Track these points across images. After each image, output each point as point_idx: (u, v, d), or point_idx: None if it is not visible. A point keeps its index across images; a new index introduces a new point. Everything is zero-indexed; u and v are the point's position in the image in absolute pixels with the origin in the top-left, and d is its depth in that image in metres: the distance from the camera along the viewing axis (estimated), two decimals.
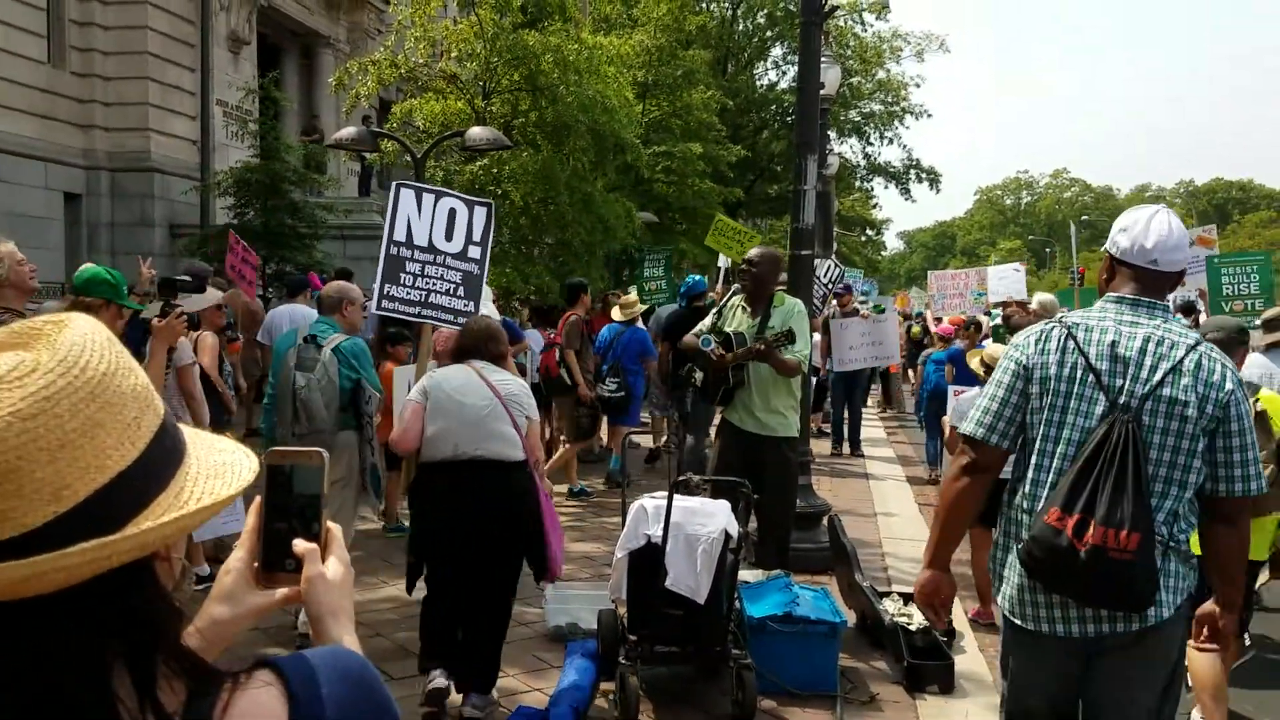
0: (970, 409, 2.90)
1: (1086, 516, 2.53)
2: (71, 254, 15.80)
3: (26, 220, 14.95)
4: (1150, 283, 2.75)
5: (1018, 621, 2.77)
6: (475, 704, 4.42)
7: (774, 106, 29.90)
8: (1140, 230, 2.75)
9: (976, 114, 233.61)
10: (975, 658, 5.57)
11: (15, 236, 5.61)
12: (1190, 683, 4.24)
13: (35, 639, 0.82)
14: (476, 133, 9.92)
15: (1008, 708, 2.93)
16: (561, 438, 10.35)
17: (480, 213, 6.19)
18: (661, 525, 4.56)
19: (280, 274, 14.35)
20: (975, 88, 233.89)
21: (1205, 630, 2.80)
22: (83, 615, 0.83)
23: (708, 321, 6.26)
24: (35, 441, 0.80)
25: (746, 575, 5.34)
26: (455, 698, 4.53)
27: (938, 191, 36.70)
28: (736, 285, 6.28)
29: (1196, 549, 2.77)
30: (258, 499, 1.15)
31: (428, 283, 6.15)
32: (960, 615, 6.16)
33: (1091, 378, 2.66)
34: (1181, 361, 2.63)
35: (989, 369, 6.53)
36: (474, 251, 6.27)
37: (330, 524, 1.18)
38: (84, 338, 0.87)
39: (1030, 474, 2.74)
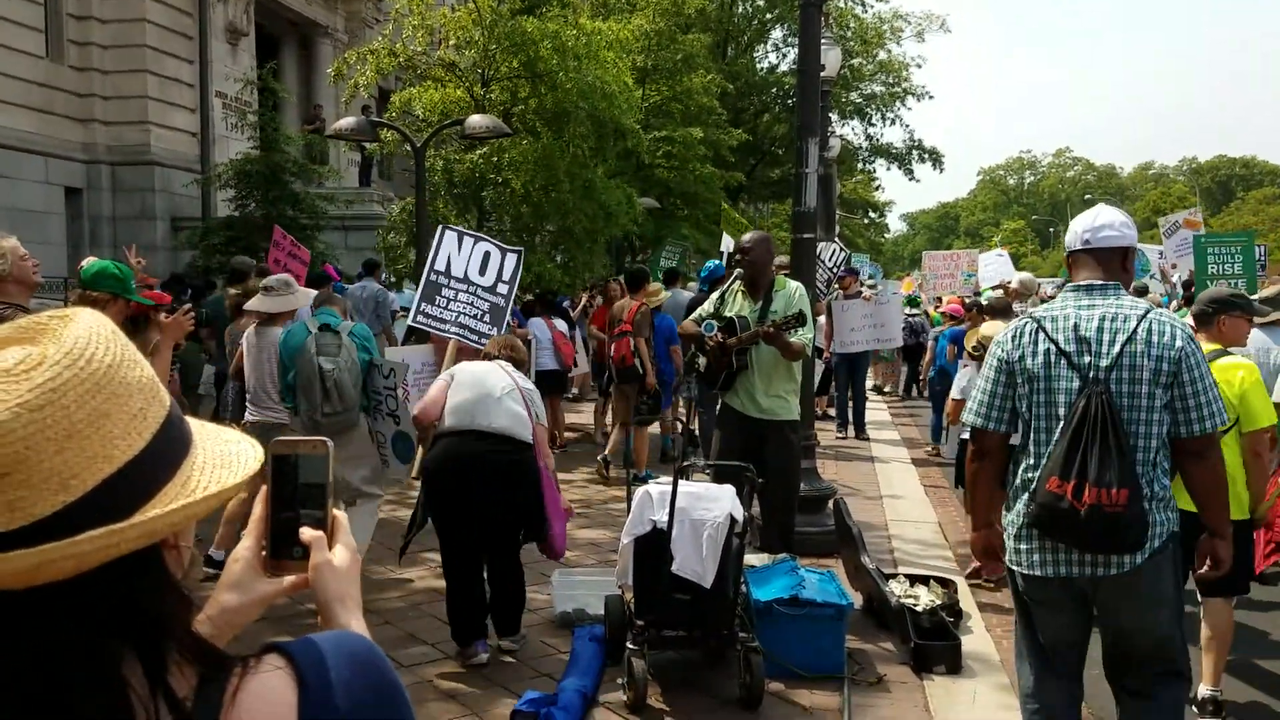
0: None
1: (1081, 481, 2.98)
2: (73, 248, 15.83)
3: (28, 215, 14.97)
4: (1094, 263, 3.20)
5: (1028, 571, 3.24)
6: (509, 642, 5.13)
7: (775, 89, 29.79)
8: (1074, 224, 3.33)
9: (978, 94, 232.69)
10: (982, 638, 5.58)
11: (16, 231, 5.61)
12: (1203, 633, 4.54)
13: (46, 627, 0.83)
14: (476, 120, 9.89)
15: (1022, 647, 3.45)
16: (607, 421, 10.74)
17: (511, 258, 7.08)
18: (667, 511, 4.57)
19: (264, 266, 14.34)
20: (976, 68, 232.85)
21: (1208, 560, 3.26)
22: (93, 603, 0.85)
23: (709, 306, 6.26)
24: (43, 432, 0.82)
25: (752, 559, 5.35)
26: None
27: (941, 171, 36.70)
28: (738, 271, 6.28)
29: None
30: (264, 488, 1.15)
31: (460, 307, 7.21)
32: (967, 596, 6.17)
33: (1063, 360, 3.11)
34: (1135, 331, 3.06)
35: (982, 348, 6.69)
36: (502, 288, 7.37)
37: (337, 512, 1.19)
38: (89, 331, 0.89)
39: (1029, 448, 3.21)
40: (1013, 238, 78.94)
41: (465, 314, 7.17)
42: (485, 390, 5.00)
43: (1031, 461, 3.18)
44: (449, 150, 12.41)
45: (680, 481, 4.65)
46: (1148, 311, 3.09)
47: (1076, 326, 3.11)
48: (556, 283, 12.18)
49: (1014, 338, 3.24)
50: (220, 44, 19.00)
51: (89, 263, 5.14)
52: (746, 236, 6.41)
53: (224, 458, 0.97)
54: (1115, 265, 3.21)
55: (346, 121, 10.43)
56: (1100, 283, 3.16)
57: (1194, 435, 3.06)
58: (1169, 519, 3.12)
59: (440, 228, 7.19)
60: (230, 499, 0.95)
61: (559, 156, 11.76)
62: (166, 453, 0.91)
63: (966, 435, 7.14)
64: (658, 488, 4.76)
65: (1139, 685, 3.24)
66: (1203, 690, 4.50)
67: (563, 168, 11.79)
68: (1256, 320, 5.77)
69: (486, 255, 7.05)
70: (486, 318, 7.17)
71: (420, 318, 6.98)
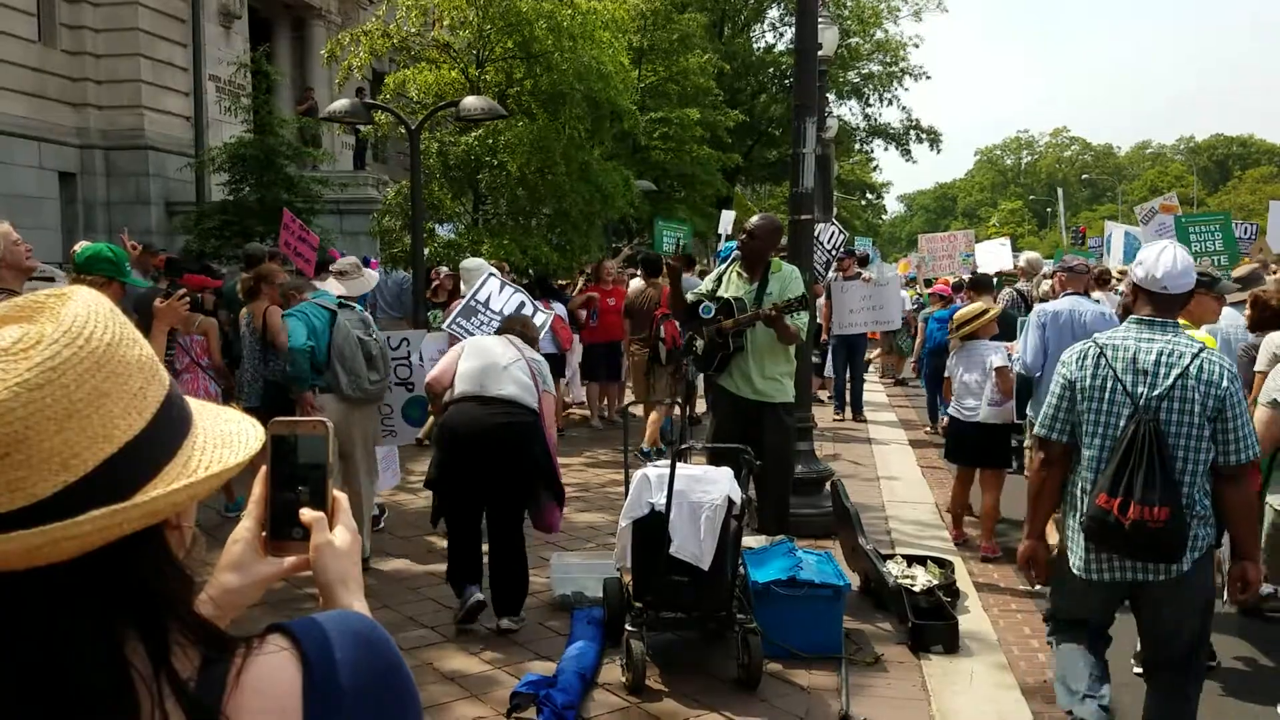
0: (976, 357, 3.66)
1: (1127, 499, 3.34)
2: (67, 233, 15.76)
3: (21, 200, 14.89)
4: (1161, 304, 3.53)
5: (1083, 576, 3.59)
6: (509, 622, 5.20)
7: (771, 69, 29.68)
8: (1152, 263, 3.54)
9: (976, 74, 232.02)
10: (979, 618, 5.60)
11: (10, 216, 5.60)
12: None
13: (49, 608, 0.83)
14: (471, 102, 9.84)
15: (1058, 617, 3.87)
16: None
17: (540, 316, 7.82)
18: (665, 493, 4.57)
19: (277, 251, 14.29)
20: (974, 47, 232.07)
21: (1239, 583, 3.52)
22: (95, 584, 0.84)
23: (707, 286, 6.25)
24: (43, 411, 0.81)
25: (750, 541, 5.36)
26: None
27: (939, 151, 36.57)
28: (736, 252, 6.27)
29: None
30: (263, 469, 1.14)
31: (488, 330, 8.00)
32: (965, 576, 6.19)
33: (1120, 386, 3.46)
34: (1188, 368, 3.39)
35: (958, 326, 7.10)
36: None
37: (337, 493, 1.18)
38: (87, 309, 0.88)
39: (1082, 464, 3.57)
40: (1010, 218, 78.88)
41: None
42: (492, 360, 5.33)
43: (1087, 475, 3.53)
44: (444, 133, 12.37)
45: (678, 464, 4.65)
46: (1200, 350, 3.44)
47: (1135, 358, 3.46)
48: (553, 266, 12.15)
49: (1079, 360, 3.58)
50: (213, 27, 18.86)
51: (82, 247, 5.12)
52: (755, 219, 6.39)
53: (224, 437, 0.96)
54: (1177, 306, 3.59)
55: (340, 104, 10.36)
56: (1162, 320, 3.52)
57: (1230, 464, 3.40)
58: (1209, 534, 3.48)
59: (486, 274, 8.15)
60: (231, 478, 0.95)
61: (555, 138, 11.72)
62: (167, 432, 0.90)
63: (953, 413, 7.21)
64: (656, 470, 4.77)
65: (1170, 680, 3.66)
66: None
67: (558, 150, 11.75)
68: (1229, 299, 5.82)
69: (521, 304, 7.81)
70: None
71: (454, 326, 7.73)
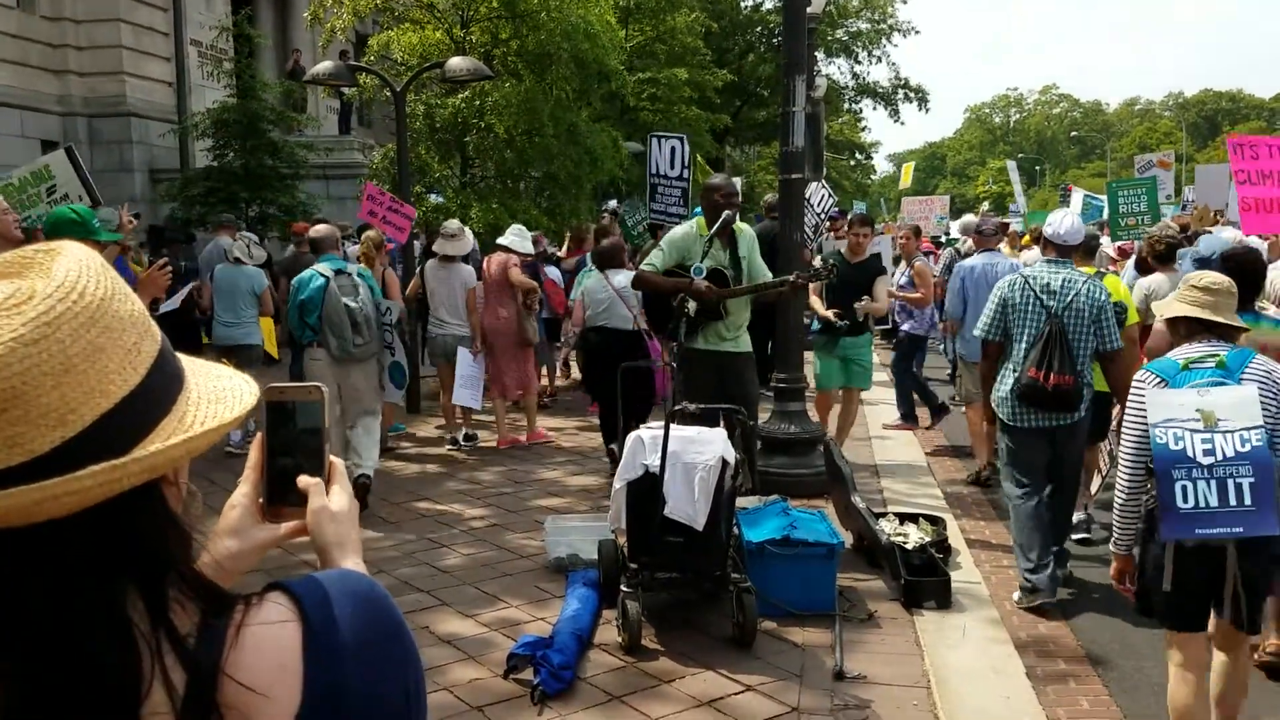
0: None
1: (1048, 372, 5.10)
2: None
3: (4, 170, 14.71)
4: (1061, 250, 5.46)
5: (1015, 424, 5.29)
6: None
7: (759, 28, 29.43)
8: (1056, 225, 5.53)
9: (965, 31, 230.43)
10: (971, 573, 5.64)
11: None
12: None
13: (49, 563, 0.82)
14: (456, 63, 9.74)
15: (1010, 469, 5.41)
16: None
17: (683, 147, 9.32)
18: (659, 455, 4.58)
19: (264, 217, 14.19)
20: (963, 3, 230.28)
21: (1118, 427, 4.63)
22: (94, 539, 0.84)
23: (669, 254, 6.08)
24: (39, 366, 0.80)
25: (744, 501, 5.38)
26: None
27: (926, 111, 36.47)
28: (700, 219, 6.23)
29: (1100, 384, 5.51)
30: (259, 435, 1.14)
31: (666, 201, 10.23)
32: (956, 533, 6.23)
33: (1039, 302, 5.22)
34: (1080, 290, 5.21)
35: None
36: (686, 174, 10.09)
37: (333, 458, 1.18)
38: (79, 264, 0.87)
39: (1014, 353, 5.29)
40: (999, 176, 78.59)
41: (670, 205, 9.99)
42: (597, 302, 7.74)
43: (1018, 359, 5.24)
44: (430, 95, 12.23)
45: (672, 425, 4.66)
46: (1088, 279, 5.31)
47: (1048, 284, 5.24)
48: (543, 229, 12.08)
49: (1010, 286, 5.36)
50: None
51: (47, 213, 5.09)
52: (731, 180, 6.39)
53: (218, 393, 0.96)
54: (1070, 252, 5.53)
55: (324, 66, 10.25)
56: (1061, 260, 5.41)
57: (1105, 350, 5.24)
58: (1091, 394, 5.31)
59: (649, 137, 9.65)
60: (225, 434, 0.94)
61: (542, 99, 11.61)
62: (161, 388, 0.90)
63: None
64: (649, 432, 4.77)
65: (1062, 482, 5.43)
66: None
67: (546, 111, 11.64)
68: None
69: (672, 149, 9.17)
70: (678, 203, 9.55)
71: (653, 215, 9.76)
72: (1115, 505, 3.64)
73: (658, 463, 4.58)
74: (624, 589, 4.64)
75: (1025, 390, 5.11)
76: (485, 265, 9.00)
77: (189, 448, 0.89)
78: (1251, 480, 3.27)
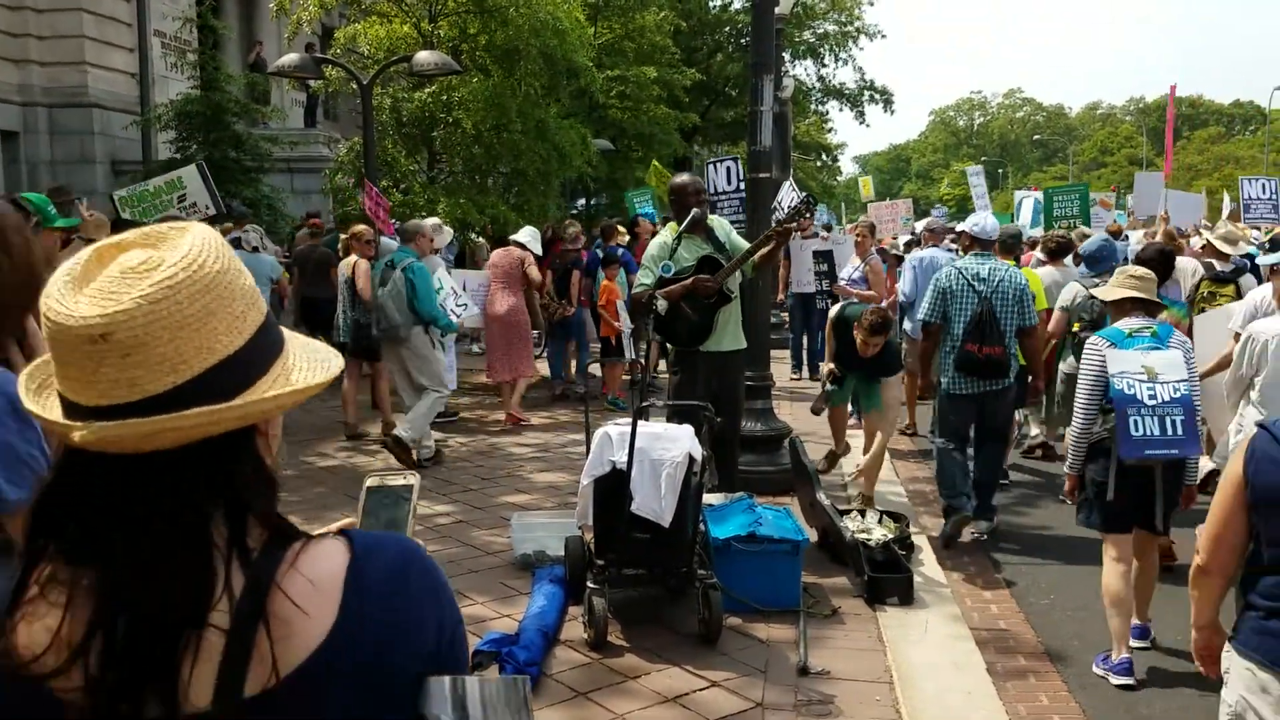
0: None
1: (981, 345, 6.15)
2: (11, 193, 15.31)
3: None
4: (983, 245, 6.61)
5: (952, 390, 6.36)
6: None
7: (728, 28, 29.45)
8: (979, 224, 6.81)
9: (931, 34, 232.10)
10: (933, 570, 5.71)
11: None
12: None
13: (155, 485, 1.00)
14: (424, 57, 9.69)
15: (940, 430, 6.52)
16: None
17: (735, 165, 9.38)
18: (626, 451, 4.59)
19: (229, 209, 14.03)
20: (929, 6, 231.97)
21: (1037, 385, 6.88)
22: (194, 471, 1.01)
23: (661, 261, 6.06)
24: (159, 321, 0.97)
25: (711, 498, 5.41)
26: None
27: (891, 112, 36.63)
28: (671, 223, 6.26)
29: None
30: (351, 520, 1.25)
31: (729, 214, 9.80)
32: (919, 528, 6.29)
33: (971, 288, 6.27)
34: (1004, 277, 6.31)
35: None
36: (741, 188, 9.60)
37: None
38: (202, 241, 1.04)
39: (954, 331, 6.29)
40: (962, 179, 79.29)
41: (732, 215, 9.83)
42: None
43: (957, 335, 6.25)
44: (396, 88, 12.15)
45: (639, 422, 4.67)
46: (1008, 269, 6.50)
47: (977, 273, 6.32)
48: (511, 226, 12.03)
49: (947, 276, 6.41)
50: None
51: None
52: (696, 178, 6.47)
53: (311, 362, 1.12)
54: (991, 246, 6.71)
55: (289, 58, 10.15)
56: (985, 253, 6.55)
57: (1023, 326, 6.32)
58: (1017, 366, 6.39)
59: (706, 164, 9.79)
60: (313, 395, 1.10)
61: (510, 95, 11.57)
62: (262, 351, 1.06)
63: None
64: (617, 429, 4.78)
65: (990, 437, 6.54)
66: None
67: (514, 107, 11.60)
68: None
69: (728, 169, 9.46)
70: (738, 211, 9.52)
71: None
72: (1070, 437, 4.83)
73: (625, 459, 4.59)
74: (590, 585, 4.64)
75: (962, 361, 6.19)
76: (490, 257, 9.97)
77: (279, 402, 1.05)
78: (1182, 418, 4.43)
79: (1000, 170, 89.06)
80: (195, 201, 9.57)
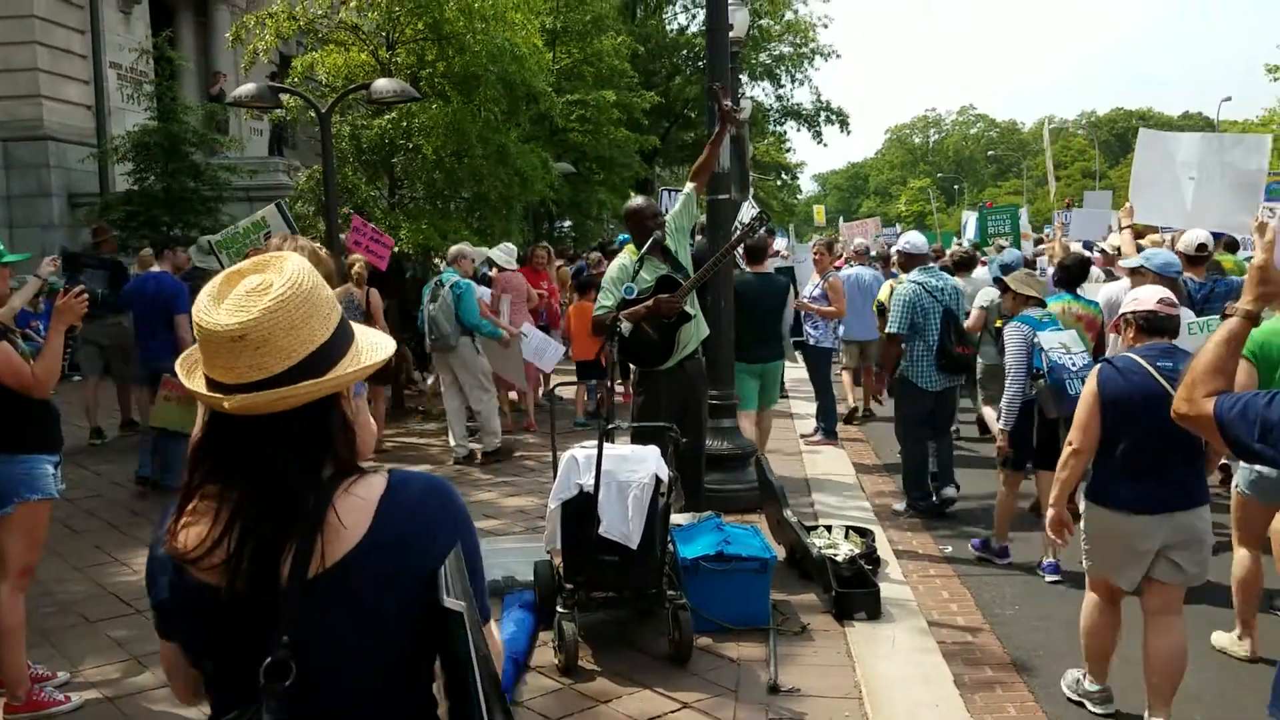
0: None
1: (955, 344, 7.21)
2: None
3: None
4: (919, 260, 7.69)
5: (929, 388, 7.29)
6: None
7: (685, 51, 29.69)
8: (909, 241, 8.16)
9: (885, 53, 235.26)
10: (900, 585, 5.76)
11: None
12: None
13: (278, 433, 1.47)
14: (382, 85, 9.68)
15: (905, 421, 7.52)
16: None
17: (752, 208, 9.94)
18: (593, 474, 4.60)
19: (186, 239, 13.91)
20: (883, 25, 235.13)
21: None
22: (302, 423, 1.48)
23: (614, 297, 6.02)
24: (278, 324, 1.43)
25: (679, 518, 5.43)
26: None
27: (848, 133, 37.19)
28: (630, 247, 6.29)
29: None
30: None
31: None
32: (884, 544, 6.36)
33: (934, 300, 7.28)
34: (948, 284, 7.54)
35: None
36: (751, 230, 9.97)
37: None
38: (299, 265, 1.50)
39: (925, 341, 7.22)
40: (919, 196, 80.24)
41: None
42: None
43: (932, 342, 7.23)
44: (355, 116, 12.12)
45: (605, 444, 4.69)
46: (949, 278, 7.69)
47: (934, 286, 7.36)
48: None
49: (914, 291, 7.33)
50: (112, 12, 18.22)
51: None
52: (652, 201, 6.55)
53: (374, 347, 1.57)
54: (925, 259, 7.78)
55: (247, 88, 10.09)
56: (929, 267, 7.68)
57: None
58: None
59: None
60: (376, 369, 1.55)
61: (470, 121, 11.56)
62: (341, 340, 1.52)
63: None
64: (584, 451, 4.79)
65: (945, 426, 7.62)
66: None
67: (474, 132, 11.59)
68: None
69: (738, 206, 9.73)
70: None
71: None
72: (1004, 404, 6.19)
73: (592, 482, 4.61)
74: (560, 610, 4.64)
75: (943, 360, 7.20)
76: (500, 280, 10.79)
77: (355, 375, 1.51)
78: None
79: (956, 186, 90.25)
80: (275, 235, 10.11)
